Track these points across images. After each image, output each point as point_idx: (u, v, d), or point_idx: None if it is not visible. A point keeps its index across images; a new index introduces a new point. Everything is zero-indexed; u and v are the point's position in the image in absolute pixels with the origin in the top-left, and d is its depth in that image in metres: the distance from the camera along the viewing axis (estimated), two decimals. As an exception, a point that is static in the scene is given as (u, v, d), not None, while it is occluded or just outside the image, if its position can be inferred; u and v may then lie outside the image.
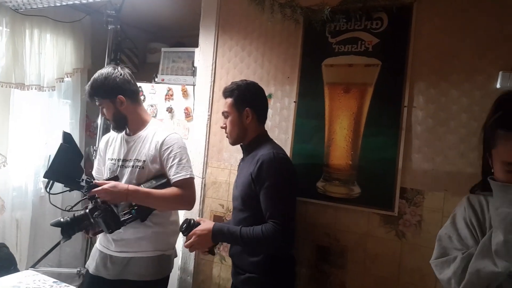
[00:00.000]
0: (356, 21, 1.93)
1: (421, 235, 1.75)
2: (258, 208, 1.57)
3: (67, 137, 1.59)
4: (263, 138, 1.73)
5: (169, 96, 2.68)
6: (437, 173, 1.74)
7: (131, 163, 1.77)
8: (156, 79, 2.85)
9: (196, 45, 2.45)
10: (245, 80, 1.78)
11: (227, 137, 1.75)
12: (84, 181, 1.60)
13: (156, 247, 1.77)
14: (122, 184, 1.67)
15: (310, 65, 2.05)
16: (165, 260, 1.82)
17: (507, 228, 0.96)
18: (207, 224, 1.63)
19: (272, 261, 1.61)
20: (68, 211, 1.63)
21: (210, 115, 2.37)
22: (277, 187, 1.55)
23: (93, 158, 2.69)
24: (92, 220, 1.59)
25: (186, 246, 1.64)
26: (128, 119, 1.81)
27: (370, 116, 1.89)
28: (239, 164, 1.86)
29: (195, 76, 2.46)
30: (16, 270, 2.46)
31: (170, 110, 2.66)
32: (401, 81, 1.82)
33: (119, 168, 1.79)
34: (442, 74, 1.75)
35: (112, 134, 1.93)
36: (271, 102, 2.16)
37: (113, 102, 1.76)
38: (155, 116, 2.69)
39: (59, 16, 2.94)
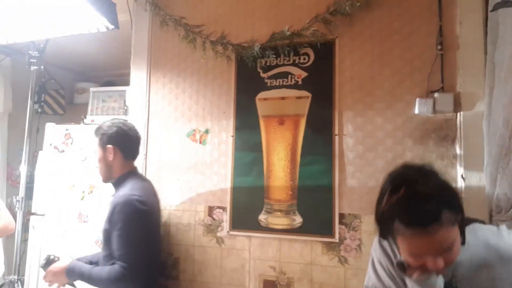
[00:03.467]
0: (285, 56, 2.02)
1: (362, 259, 1.80)
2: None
3: None
4: (129, 176, 1.81)
5: (100, 137, 2.55)
6: (371, 197, 1.81)
7: None
8: (85, 121, 2.72)
9: (128, 84, 2.39)
10: (114, 119, 1.86)
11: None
12: None
13: None
14: None
15: (245, 100, 2.09)
16: None
17: None
18: (62, 262, 1.73)
19: None
20: None
21: (146, 155, 2.29)
22: (125, 230, 1.63)
23: (16, 209, 2.44)
24: None
25: (44, 280, 1.76)
26: None
27: (305, 146, 1.95)
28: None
29: (128, 115, 2.38)
30: None
31: (102, 152, 2.52)
32: (330, 111, 1.92)
33: None
34: (366, 103, 1.87)
35: None
36: (208, 137, 2.15)
37: None
38: (85, 160, 2.53)
39: (-25, 58, 2.74)
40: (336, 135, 1.90)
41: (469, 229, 1.02)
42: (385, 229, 1.00)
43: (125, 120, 1.88)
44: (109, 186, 1.94)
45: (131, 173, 1.84)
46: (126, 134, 1.83)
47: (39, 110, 2.65)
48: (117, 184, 1.80)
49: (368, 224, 1.81)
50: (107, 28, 1.86)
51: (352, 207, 1.84)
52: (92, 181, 2.50)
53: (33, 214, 2.63)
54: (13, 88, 3.06)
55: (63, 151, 2.60)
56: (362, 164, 1.85)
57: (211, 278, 2.07)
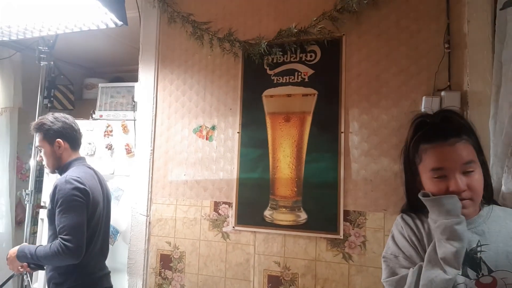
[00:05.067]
0: (291, 53, 2.03)
1: (366, 255, 1.81)
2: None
3: None
4: (73, 163, 1.92)
5: (108, 132, 2.58)
6: (376, 194, 1.83)
7: None
8: (93, 116, 2.75)
9: (136, 80, 2.42)
10: (53, 113, 1.95)
11: (45, 167, 1.98)
12: None
13: None
14: None
15: (251, 96, 2.10)
16: None
17: (450, 238, 0.99)
18: (16, 247, 1.83)
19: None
20: None
21: (153, 150, 2.31)
22: (66, 205, 1.71)
23: (25, 202, 2.49)
24: None
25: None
26: None
27: (311, 143, 1.96)
28: None
29: (136, 111, 2.41)
30: None
31: (109, 147, 2.56)
32: (336, 109, 1.92)
33: None
34: (372, 101, 1.88)
35: None
36: (214, 134, 2.17)
37: None
38: (93, 154, 2.57)
39: (-15, 53, 2.78)
40: (342, 132, 1.91)
41: (499, 207, 1.11)
42: (414, 158, 1.12)
43: (64, 114, 1.98)
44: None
45: (76, 160, 1.94)
46: (71, 127, 1.95)
47: (49, 105, 2.69)
48: (62, 171, 1.90)
49: (372, 221, 1.82)
50: (116, 24, 1.88)
51: (357, 204, 1.85)
52: (100, 176, 2.53)
53: (42, 207, 2.68)
54: (23, 83, 3.10)
55: (71, 145, 2.63)
56: (367, 162, 1.86)
57: (216, 272, 2.09)
